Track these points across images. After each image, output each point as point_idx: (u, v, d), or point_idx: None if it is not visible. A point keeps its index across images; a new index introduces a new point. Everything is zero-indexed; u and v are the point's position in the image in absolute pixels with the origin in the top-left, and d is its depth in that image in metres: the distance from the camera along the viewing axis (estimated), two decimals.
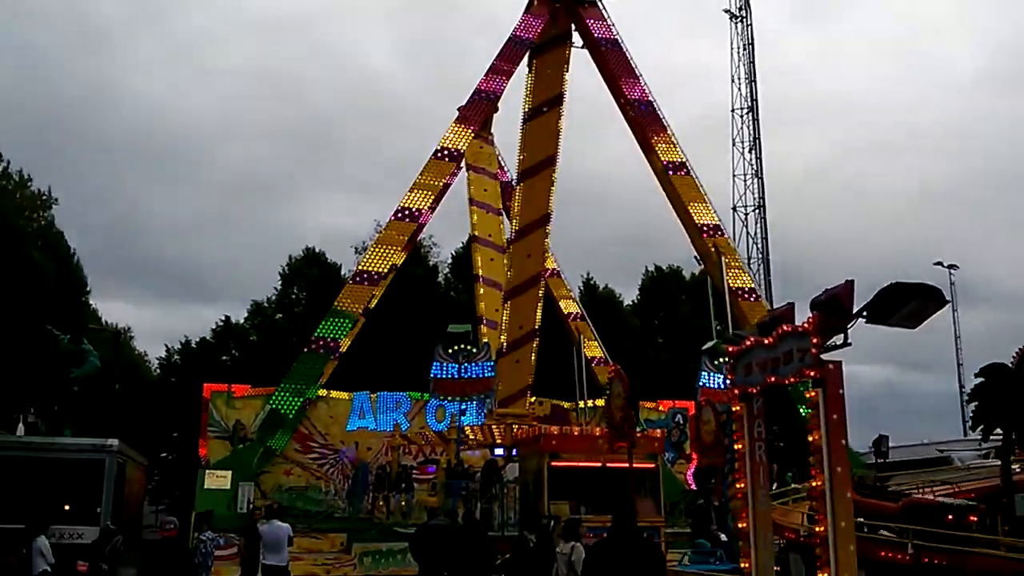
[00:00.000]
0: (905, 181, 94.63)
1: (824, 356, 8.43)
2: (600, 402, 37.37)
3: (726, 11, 55.01)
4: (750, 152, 53.14)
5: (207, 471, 23.56)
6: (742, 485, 9.54)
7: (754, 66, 54.41)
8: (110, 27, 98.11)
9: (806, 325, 8.51)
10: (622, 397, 14.91)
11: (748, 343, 9.58)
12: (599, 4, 30.27)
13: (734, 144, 53.18)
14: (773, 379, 8.92)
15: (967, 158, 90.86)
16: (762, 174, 52.85)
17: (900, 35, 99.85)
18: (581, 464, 16.97)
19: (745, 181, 52.54)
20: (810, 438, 8.37)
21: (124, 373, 45.15)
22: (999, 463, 15.38)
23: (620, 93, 29.98)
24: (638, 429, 15.95)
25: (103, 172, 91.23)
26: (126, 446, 23.69)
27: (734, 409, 9.78)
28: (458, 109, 30.78)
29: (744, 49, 54.49)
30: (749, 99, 53.74)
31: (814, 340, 8.35)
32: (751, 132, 53.46)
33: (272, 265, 47.91)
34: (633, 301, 50.89)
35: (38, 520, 15.94)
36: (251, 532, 15.54)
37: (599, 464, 16.92)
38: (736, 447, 9.70)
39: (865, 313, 8.30)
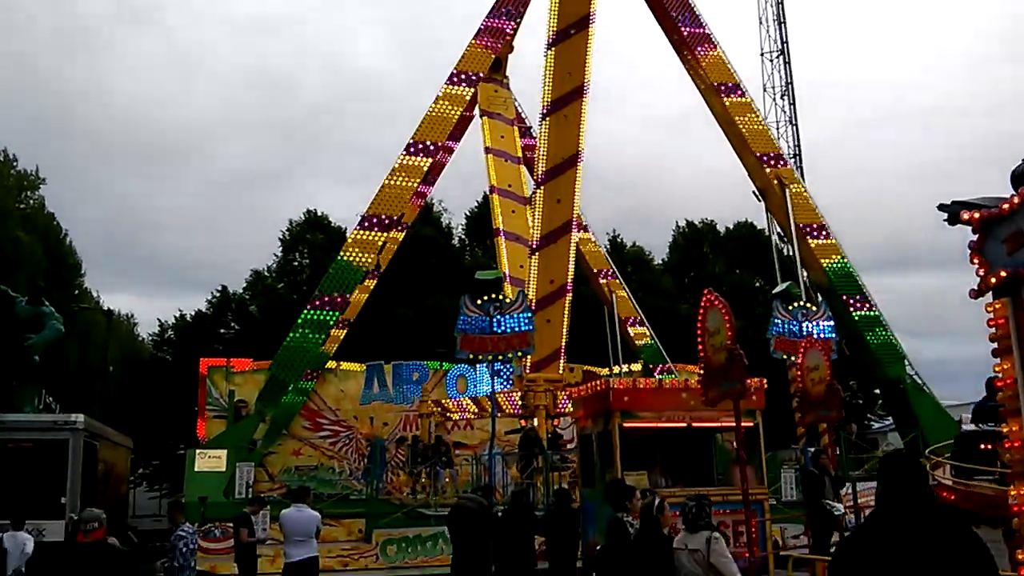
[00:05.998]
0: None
1: None
2: (636, 366, 33.81)
3: None
4: (782, 98, 49.38)
5: (197, 451, 19.86)
6: (1017, 428, 5.90)
7: (783, 7, 50.48)
8: (98, 27, 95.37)
9: None
10: (726, 333, 11.20)
11: (1014, 203, 5.89)
12: None
13: (765, 90, 49.32)
14: None
15: None
16: (796, 120, 49.13)
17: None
18: (661, 424, 13.40)
19: (778, 128, 48.68)
20: None
21: (123, 356, 42.23)
22: None
23: (660, 7, 26.05)
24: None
25: (96, 168, 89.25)
26: (99, 424, 20.10)
27: (994, 307, 6.10)
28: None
29: None
30: (779, 42, 49.93)
31: None
32: (783, 77, 49.67)
33: (268, 256, 45.33)
34: (663, 259, 47.10)
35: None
36: (245, 522, 13.64)
37: (684, 424, 13.36)
38: (999, 368, 6.04)
39: None
